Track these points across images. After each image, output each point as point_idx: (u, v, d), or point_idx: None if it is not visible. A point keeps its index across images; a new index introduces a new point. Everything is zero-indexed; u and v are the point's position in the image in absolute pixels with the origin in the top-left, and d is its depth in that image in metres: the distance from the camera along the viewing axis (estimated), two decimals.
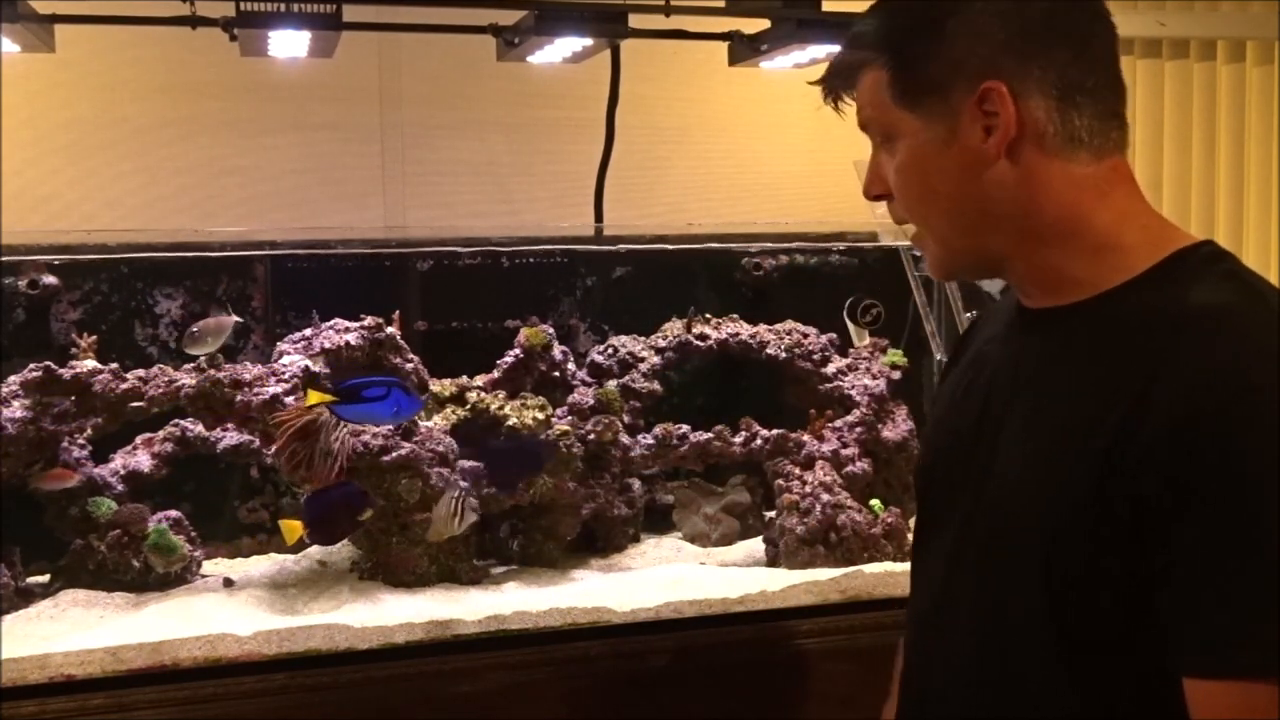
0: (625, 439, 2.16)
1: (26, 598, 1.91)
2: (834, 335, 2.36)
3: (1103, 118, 1.07)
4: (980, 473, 1.10)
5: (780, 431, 2.23)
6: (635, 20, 2.19)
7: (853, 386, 2.30)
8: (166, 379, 1.95)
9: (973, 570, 1.09)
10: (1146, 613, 0.94)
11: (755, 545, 2.22)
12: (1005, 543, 1.05)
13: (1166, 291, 1.01)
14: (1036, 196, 1.06)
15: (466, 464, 2.06)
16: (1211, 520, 0.89)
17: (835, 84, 1.15)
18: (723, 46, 2.30)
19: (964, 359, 1.25)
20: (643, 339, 2.33)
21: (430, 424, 2.08)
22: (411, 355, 2.16)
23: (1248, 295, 0.99)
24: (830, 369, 2.33)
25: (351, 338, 2.08)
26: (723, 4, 2.18)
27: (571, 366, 2.26)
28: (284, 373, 1.97)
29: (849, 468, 2.18)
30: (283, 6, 1.95)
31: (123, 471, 2.06)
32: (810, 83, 1.17)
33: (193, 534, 2.04)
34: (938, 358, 2.39)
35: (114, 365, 1.97)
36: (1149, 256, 1.05)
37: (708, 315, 2.37)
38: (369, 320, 2.10)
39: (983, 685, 1.08)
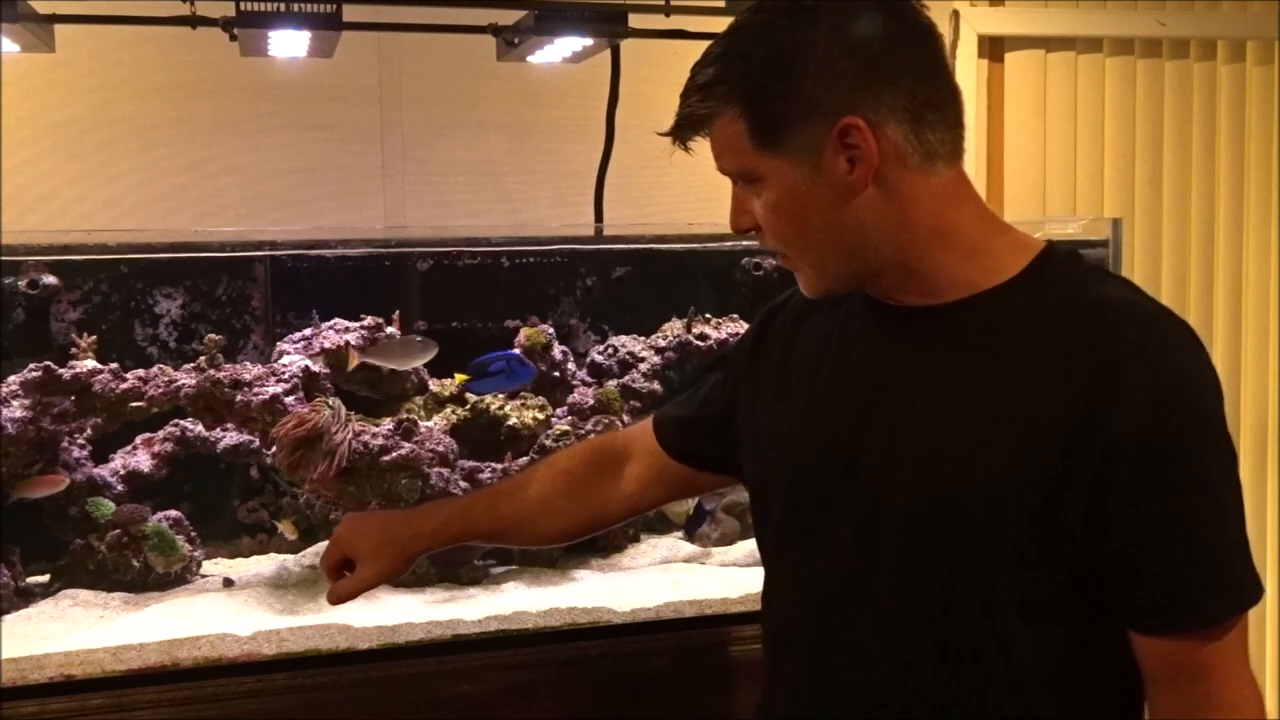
0: None
1: (26, 598, 1.91)
2: None
3: (950, 128, 1.12)
4: (877, 466, 1.12)
5: None
6: (635, 20, 2.19)
7: None
8: (166, 379, 1.95)
9: (892, 564, 1.11)
10: (1088, 583, 1.06)
11: (755, 545, 2.22)
12: (942, 533, 1.08)
13: (1063, 289, 1.10)
14: (907, 212, 1.11)
15: (467, 463, 2.06)
16: (1170, 503, 1.02)
17: (686, 134, 1.17)
18: None
19: (796, 359, 1.25)
20: (643, 339, 2.33)
21: (430, 424, 2.08)
22: None
23: (1134, 289, 1.12)
24: None
25: (351, 338, 2.08)
26: (723, 4, 2.18)
27: (571, 366, 2.26)
28: (284, 373, 1.97)
29: None
30: (283, 6, 1.95)
31: (123, 471, 2.06)
32: (660, 134, 1.19)
33: (193, 534, 2.04)
34: None
35: (114, 365, 1.97)
36: (1016, 258, 1.13)
37: (708, 315, 2.37)
38: (369, 320, 2.10)
39: (921, 669, 1.11)
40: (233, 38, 2.03)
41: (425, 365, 2.16)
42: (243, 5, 1.95)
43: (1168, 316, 1.08)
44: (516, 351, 2.13)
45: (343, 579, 1.44)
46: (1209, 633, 1.03)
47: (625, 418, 2.17)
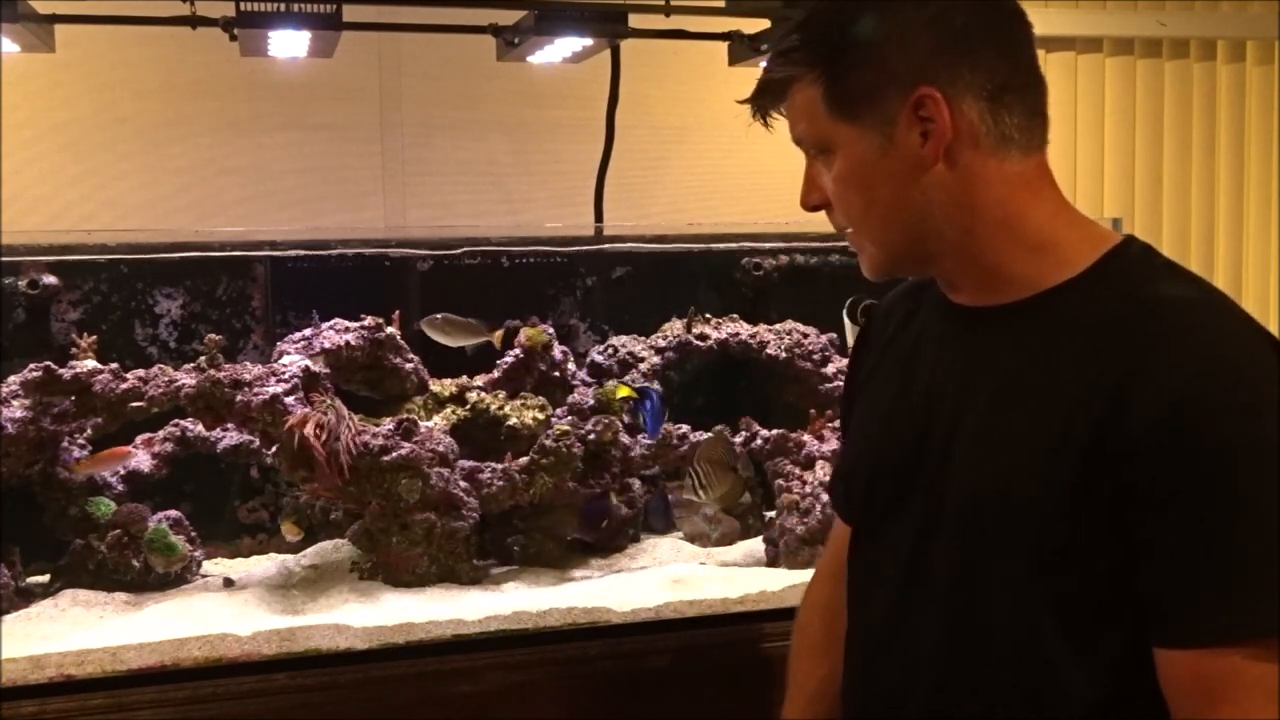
0: (625, 439, 2.16)
1: (26, 598, 1.91)
2: (834, 335, 2.36)
3: (1029, 115, 1.11)
4: (937, 469, 1.12)
5: (780, 431, 2.23)
6: (635, 20, 2.19)
7: None
8: (166, 379, 1.95)
9: (944, 565, 1.11)
10: (1128, 589, 1.00)
11: (755, 545, 2.22)
12: (986, 535, 1.07)
13: (1122, 286, 1.06)
14: (976, 196, 1.09)
15: (467, 463, 2.06)
16: (1191, 505, 0.95)
17: (765, 101, 1.15)
18: (723, 46, 2.30)
19: (885, 358, 1.26)
20: (643, 339, 2.33)
21: (430, 424, 2.08)
22: (411, 355, 2.16)
23: (1201, 288, 1.06)
24: (830, 369, 2.33)
25: (351, 338, 2.08)
26: (723, 4, 2.18)
27: (571, 366, 2.26)
28: (284, 373, 1.96)
29: None
30: (283, 6, 1.95)
31: (123, 471, 2.06)
32: (740, 101, 1.17)
33: (193, 534, 2.04)
34: None
35: (114, 365, 1.97)
36: (1087, 253, 1.09)
37: (708, 315, 2.37)
38: (369, 320, 2.10)
39: (964, 671, 1.10)
40: (233, 38, 2.03)
41: (423, 361, 2.17)
42: (243, 5, 1.95)
43: (1234, 316, 1.02)
44: (652, 396, 2.16)
45: None
46: (1224, 654, 0.94)
47: (625, 418, 2.17)
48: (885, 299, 1.34)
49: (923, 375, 1.17)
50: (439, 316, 2.10)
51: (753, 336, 2.34)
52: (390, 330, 2.12)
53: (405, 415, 2.02)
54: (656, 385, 2.20)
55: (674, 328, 2.35)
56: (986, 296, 1.12)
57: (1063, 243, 1.10)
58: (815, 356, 2.33)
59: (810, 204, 1.16)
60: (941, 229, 1.10)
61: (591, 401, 2.16)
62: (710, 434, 2.16)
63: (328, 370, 2.04)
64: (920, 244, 1.12)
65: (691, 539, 2.29)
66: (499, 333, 2.15)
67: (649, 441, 2.17)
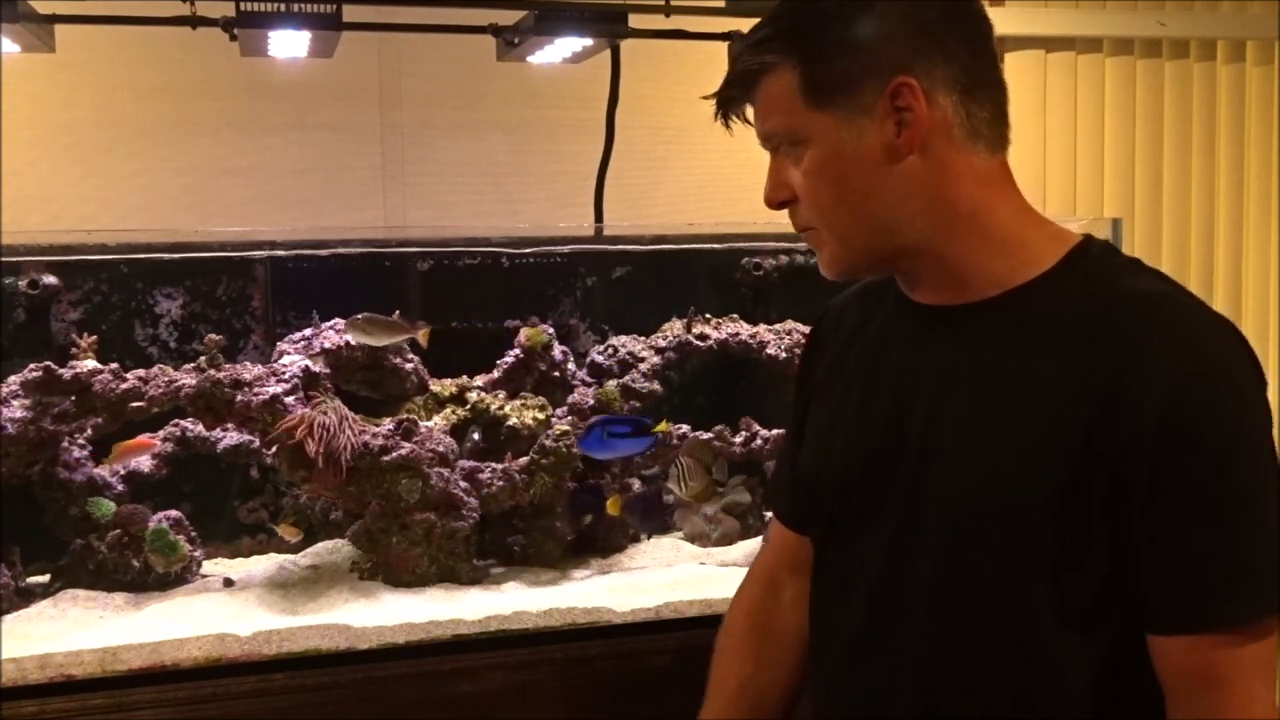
0: None
1: (26, 598, 1.91)
2: None
3: (996, 114, 1.11)
4: (915, 468, 1.11)
5: (780, 431, 2.23)
6: (635, 20, 2.19)
7: None
8: (166, 379, 1.95)
9: (928, 565, 1.10)
10: (1120, 585, 1.01)
11: (755, 545, 2.22)
12: (972, 534, 1.06)
13: (1090, 284, 1.07)
14: (947, 189, 1.09)
15: (466, 463, 2.06)
16: (1188, 498, 0.98)
17: (734, 94, 1.13)
18: (723, 46, 2.30)
19: (842, 362, 1.24)
20: (643, 339, 2.33)
21: (430, 424, 2.08)
22: (411, 355, 2.16)
23: (1168, 282, 1.08)
24: None
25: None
26: (723, 4, 2.18)
27: (571, 366, 2.26)
28: (284, 373, 1.97)
29: None
30: (283, 6, 1.95)
31: (123, 471, 2.06)
32: (705, 97, 1.15)
33: (193, 534, 2.04)
34: None
35: (114, 365, 1.97)
36: (1052, 251, 1.10)
37: (708, 315, 2.37)
38: None
39: (954, 670, 1.09)
40: (233, 38, 2.03)
41: (418, 353, 2.17)
42: (243, 5, 1.95)
43: (1203, 310, 1.04)
44: (600, 422, 2.11)
45: None
46: (1224, 638, 0.97)
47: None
48: (834, 302, 1.33)
49: (890, 377, 1.17)
50: (360, 317, 2.05)
51: (753, 336, 2.34)
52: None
53: (405, 415, 2.02)
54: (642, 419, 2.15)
55: (674, 328, 2.35)
56: (952, 295, 1.12)
57: (1028, 241, 1.11)
58: None
59: (776, 200, 1.15)
60: (913, 220, 1.10)
61: (591, 401, 2.16)
62: (708, 434, 2.17)
63: (328, 370, 2.04)
64: (888, 238, 1.11)
65: (691, 539, 2.29)
66: (424, 330, 2.10)
67: (588, 452, 2.07)
